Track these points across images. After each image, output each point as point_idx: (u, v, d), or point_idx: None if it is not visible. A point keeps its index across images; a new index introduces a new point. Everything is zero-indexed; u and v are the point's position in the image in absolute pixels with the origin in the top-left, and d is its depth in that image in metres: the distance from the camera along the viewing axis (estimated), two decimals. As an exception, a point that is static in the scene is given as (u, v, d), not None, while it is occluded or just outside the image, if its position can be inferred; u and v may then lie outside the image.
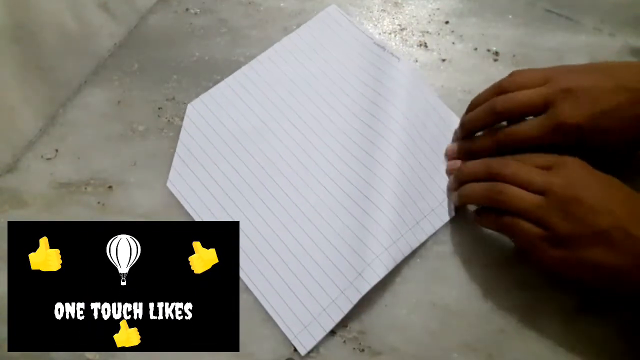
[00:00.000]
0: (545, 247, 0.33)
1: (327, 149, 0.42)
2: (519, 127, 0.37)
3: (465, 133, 0.41)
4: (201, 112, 0.45)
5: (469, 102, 0.42)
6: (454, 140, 0.42)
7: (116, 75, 0.47)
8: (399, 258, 0.38)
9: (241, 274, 0.38)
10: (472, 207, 0.40)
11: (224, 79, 0.46)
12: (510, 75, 0.39)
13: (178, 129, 0.44)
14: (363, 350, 0.36)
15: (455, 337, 0.36)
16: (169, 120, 0.45)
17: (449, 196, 0.40)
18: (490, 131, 0.39)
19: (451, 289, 0.38)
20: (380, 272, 0.37)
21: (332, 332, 0.37)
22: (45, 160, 0.43)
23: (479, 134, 0.41)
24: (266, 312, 0.37)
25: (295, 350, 0.36)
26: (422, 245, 0.39)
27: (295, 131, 0.43)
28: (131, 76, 0.47)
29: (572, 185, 0.33)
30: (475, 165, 0.38)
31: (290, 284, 0.38)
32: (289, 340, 0.36)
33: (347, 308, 0.37)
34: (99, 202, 0.42)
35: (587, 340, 0.36)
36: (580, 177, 0.33)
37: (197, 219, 0.40)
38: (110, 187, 0.42)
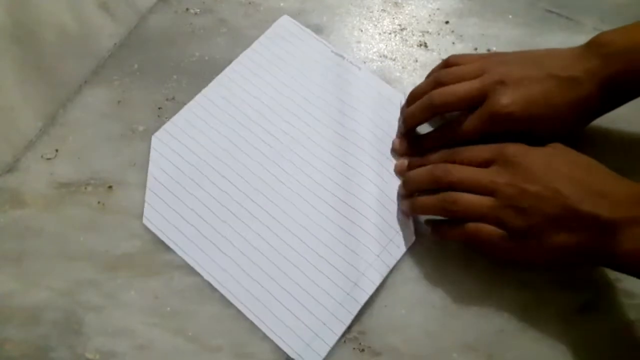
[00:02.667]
0: (510, 245, 0.34)
1: (301, 161, 0.42)
2: (458, 123, 0.38)
3: (408, 128, 0.42)
4: (167, 142, 0.43)
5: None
6: (398, 134, 0.43)
7: (116, 75, 0.47)
8: (392, 263, 0.38)
9: (233, 301, 0.37)
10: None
11: (223, 79, 0.46)
12: (446, 64, 0.40)
13: (178, 129, 0.44)
14: (363, 350, 0.36)
15: (455, 337, 0.36)
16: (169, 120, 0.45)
17: (399, 202, 0.40)
18: (433, 130, 0.40)
19: (451, 289, 0.38)
20: (376, 280, 0.37)
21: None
22: (45, 160, 0.43)
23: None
24: (266, 312, 0.37)
25: (295, 350, 0.36)
26: (422, 245, 0.39)
27: (264, 147, 0.43)
28: (131, 76, 0.47)
29: (514, 180, 0.33)
30: (422, 175, 0.38)
31: (286, 303, 0.37)
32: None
33: (348, 320, 0.36)
34: (99, 202, 0.42)
35: (587, 340, 0.36)
36: (522, 168, 0.34)
37: (179, 252, 0.39)
38: (110, 187, 0.42)
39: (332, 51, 0.46)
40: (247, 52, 0.47)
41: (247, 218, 0.40)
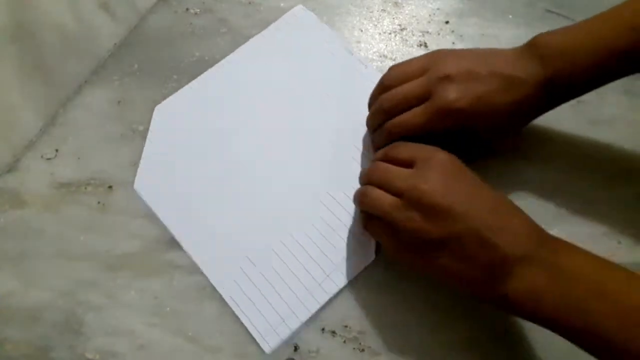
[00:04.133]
0: (393, 249, 0.34)
1: (295, 149, 0.42)
2: (403, 116, 0.37)
3: (370, 130, 0.41)
4: (168, 114, 0.44)
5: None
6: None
7: (116, 75, 0.47)
8: (369, 260, 0.39)
9: (209, 276, 0.38)
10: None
11: (223, 79, 0.46)
12: (389, 70, 0.40)
13: (178, 129, 0.44)
14: (363, 350, 0.36)
15: (454, 336, 0.36)
16: (169, 120, 0.45)
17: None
18: (379, 128, 0.40)
19: (451, 288, 0.38)
20: (349, 275, 0.38)
21: (332, 332, 0.37)
22: (45, 160, 0.43)
23: None
24: (266, 312, 0.38)
25: (296, 350, 0.36)
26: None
27: (262, 132, 0.43)
28: (131, 76, 0.47)
29: (427, 188, 0.32)
30: (363, 171, 0.38)
31: (259, 284, 0.38)
32: (290, 340, 0.37)
33: (314, 308, 0.37)
34: (99, 202, 0.42)
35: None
36: (440, 178, 0.32)
37: (164, 220, 0.40)
38: (110, 187, 0.42)
39: (342, 46, 0.46)
40: (258, 37, 0.47)
41: (235, 198, 0.41)
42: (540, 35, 0.36)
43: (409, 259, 0.33)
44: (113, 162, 0.43)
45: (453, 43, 0.47)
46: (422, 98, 0.37)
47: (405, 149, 0.36)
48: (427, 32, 0.48)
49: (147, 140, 0.43)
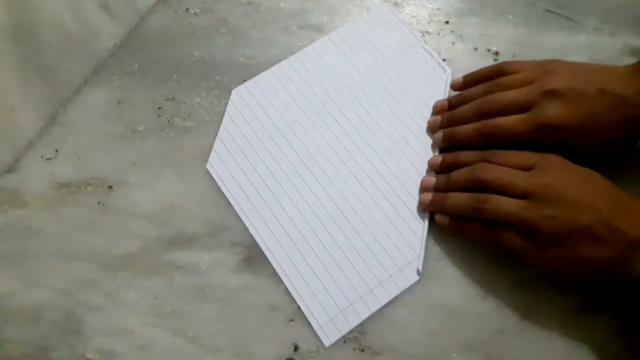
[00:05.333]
0: (533, 251, 0.33)
1: (368, 147, 0.43)
2: (504, 120, 0.37)
3: (449, 125, 0.41)
4: (245, 99, 0.45)
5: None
6: (432, 125, 0.42)
7: (116, 75, 0.47)
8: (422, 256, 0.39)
9: (272, 261, 0.39)
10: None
11: (223, 79, 0.46)
12: (500, 71, 0.40)
13: (178, 129, 0.44)
14: (363, 350, 0.36)
15: (455, 337, 0.36)
16: (169, 120, 0.45)
17: (420, 207, 0.40)
18: (474, 122, 0.39)
19: (451, 289, 0.38)
20: (411, 278, 0.38)
21: (332, 332, 0.37)
22: (45, 160, 0.43)
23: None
24: (267, 312, 0.37)
25: (296, 350, 0.36)
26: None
27: (336, 125, 0.44)
28: (131, 76, 0.47)
29: (553, 185, 0.33)
30: (463, 174, 0.37)
31: (320, 276, 0.38)
32: (290, 340, 0.36)
33: (375, 307, 0.37)
34: (99, 202, 0.42)
35: (587, 340, 0.36)
36: (561, 175, 0.34)
37: (233, 202, 0.41)
38: (110, 187, 0.42)
39: (422, 47, 0.46)
40: (340, 30, 0.48)
41: (304, 189, 0.41)
42: None
43: (545, 259, 0.33)
44: (113, 162, 0.43)
45: (453, 43, 0.47)
46: (523, 107, 0.37)
47: (517, 155, 0.36)
48: (427, 32, 0.48)
49: (223, 122, 0.44)
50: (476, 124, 0.39)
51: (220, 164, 0.42)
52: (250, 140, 0.43)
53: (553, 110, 0.35)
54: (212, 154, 0.43)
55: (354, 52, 0.47)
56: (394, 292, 0.37)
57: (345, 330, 0.37)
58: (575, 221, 0.32)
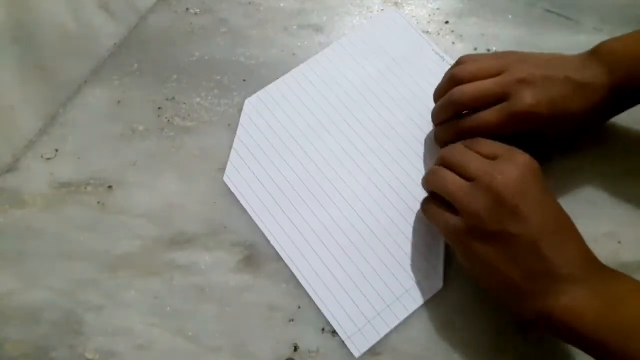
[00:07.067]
0: (451, 230, 0.33)
1: (384, 152, 0.42)
2: (479, 115, 0.37)
3: (435, 123, 0.41)
4: (258, 108, 0.45)
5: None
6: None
7: (116, 75, 0.47)
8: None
9: (295, 273, 0.38)
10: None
11: (223, 79, 0.46)
12: (462, 64, 0.39)
13: (178, 129, 0.44)
14: (363, 350, 0.36)
15: (455, 337, 0.36)
16: (169, 120, 0.45)
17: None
18: (454, 120, 0.40)
19: (451, 289, 0.38)
20: (434, 287, 0.37)
21: (333, 333, 0.37)
22: (45, 160, 0.43)
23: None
24: (267, 312, 0.37)
25: (296, 350, 0.36)
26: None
27: (351, 132, 0.43)
28: (131, 76, 0.47)
29: (501, 182, 0.32)
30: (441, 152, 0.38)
31: (345, 285, 0.38)
32: (290, 340, 0.36)
33: (403, 315, 0.37)
34: (99, 202, 0.42)
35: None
36: (517, 177, 0.32)
37: (251, 213, 0.40)
38: (110, 187, 0.42)
39: (433, 50, 0.46)
40: (350, 36, 0.48)
41: (322, 197, 0.41)
42: (605, 43, 0.37)
43: (459, 243, 0.33)
44: (113, 162, 0.43)
45: (453, 43, 0.47)
46: (497, 97, 0.37)
47: (490, 145, 0.35)
48: (427, 32, 0.48)
49: (237, 134, 0.44)
50: (453, 122, 0.39)
51: (237, 176, 0.42)
52: (266, 150, 0.43)
53: (528, 99, 0.35)
54: (229, 165, 0.42)
55: (365, 58, 0.46)
56: (421, 300, 0.37)
57: (374, 340, 0.36)
58: (498, 224, 0.31)
